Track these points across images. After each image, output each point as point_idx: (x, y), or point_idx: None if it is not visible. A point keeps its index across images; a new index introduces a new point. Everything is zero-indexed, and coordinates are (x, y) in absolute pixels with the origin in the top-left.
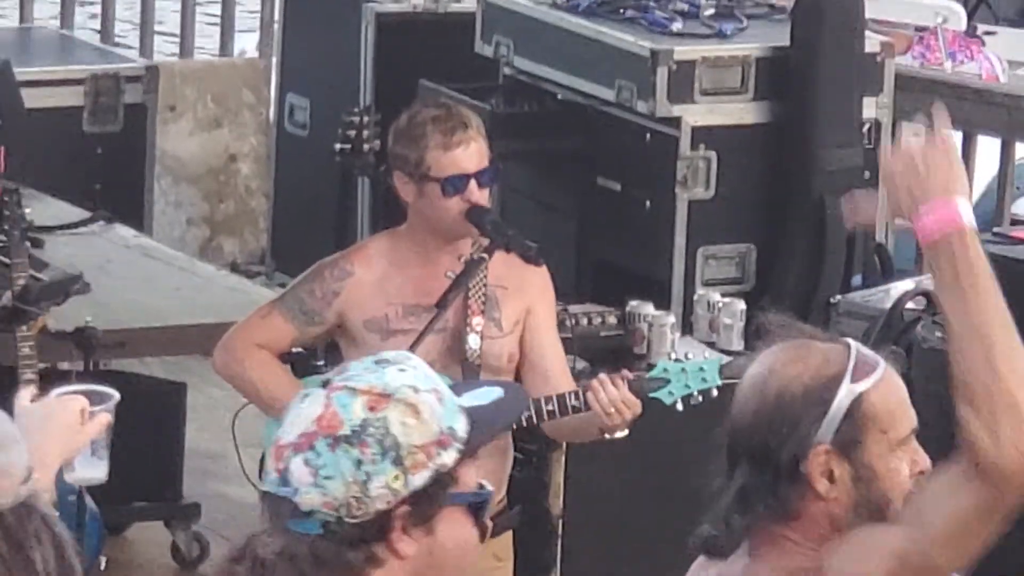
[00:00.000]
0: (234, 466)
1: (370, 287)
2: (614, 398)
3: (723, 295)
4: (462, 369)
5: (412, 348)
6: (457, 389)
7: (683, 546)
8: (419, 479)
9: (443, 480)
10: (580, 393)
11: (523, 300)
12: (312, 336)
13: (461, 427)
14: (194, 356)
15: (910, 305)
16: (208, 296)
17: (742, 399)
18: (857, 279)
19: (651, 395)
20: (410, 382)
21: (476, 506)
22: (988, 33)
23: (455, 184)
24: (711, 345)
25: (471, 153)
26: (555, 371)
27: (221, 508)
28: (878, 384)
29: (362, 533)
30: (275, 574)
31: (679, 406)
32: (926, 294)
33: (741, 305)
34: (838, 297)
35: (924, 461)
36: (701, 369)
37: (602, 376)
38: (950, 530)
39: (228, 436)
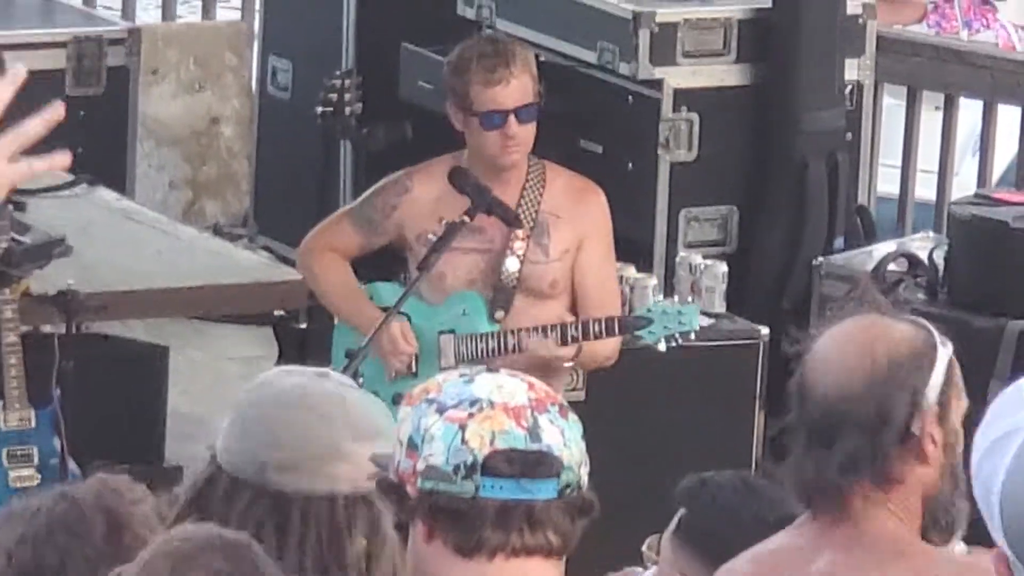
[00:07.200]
0: (216, 429)
1: (425, 204)
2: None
3: (705, 257)
4: (494, 290)
5: (434, 263)
6: None
7: (664, 507)
8: None
9: None
10: (606, 319)
11: (575, 231)
12: (377, 244)
13: None
14: (177, 319)
15: (892, 267)
16: (190, 259)
17: (842, 371)
18: (839, 241)
19: (636, 332)
20: None
21: None
22: None
23: (493, 120)
24: None
25: (511, 90)
26: (599, 305)
27: None
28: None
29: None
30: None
31: (662, 346)
32: (908, 256)
33: (723, 267)
34: (820, 259)
35: None
36: (680, 313)
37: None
38: None
39: (210, 399)
